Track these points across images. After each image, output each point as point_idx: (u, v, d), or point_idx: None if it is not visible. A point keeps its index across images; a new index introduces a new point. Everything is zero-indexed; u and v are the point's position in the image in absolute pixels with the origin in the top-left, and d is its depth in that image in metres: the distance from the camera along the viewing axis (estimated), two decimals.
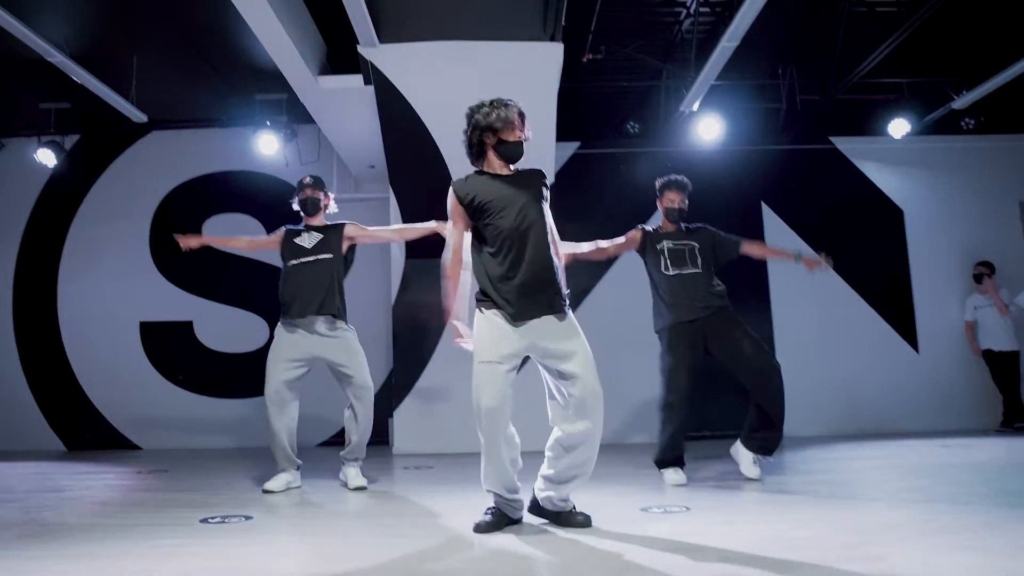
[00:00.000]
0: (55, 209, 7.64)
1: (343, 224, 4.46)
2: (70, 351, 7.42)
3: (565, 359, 2.81)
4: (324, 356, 4.27)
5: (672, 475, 4.09)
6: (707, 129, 6.79)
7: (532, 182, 3.04)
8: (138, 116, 6.39)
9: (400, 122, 5.48)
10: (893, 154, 7.40)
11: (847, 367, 7.10)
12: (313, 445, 7.01)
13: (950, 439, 6.02)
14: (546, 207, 3.02)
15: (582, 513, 2.94)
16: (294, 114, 7.11)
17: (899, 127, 6.91)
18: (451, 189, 3.01)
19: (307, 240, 4.38)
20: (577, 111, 7.16)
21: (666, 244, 4.31)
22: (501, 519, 2.92)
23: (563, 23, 5.03)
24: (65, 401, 7.33)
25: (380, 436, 7.01)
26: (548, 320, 2.86)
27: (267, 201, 7.56)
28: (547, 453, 2.92)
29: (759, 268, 7.26)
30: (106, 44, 6.13)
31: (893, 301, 7.25)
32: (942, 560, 2.26)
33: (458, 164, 5.97)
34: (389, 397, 6.65)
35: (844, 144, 7.45)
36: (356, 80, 5.38)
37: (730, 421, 6.65)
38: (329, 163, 7.44)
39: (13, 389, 7.33)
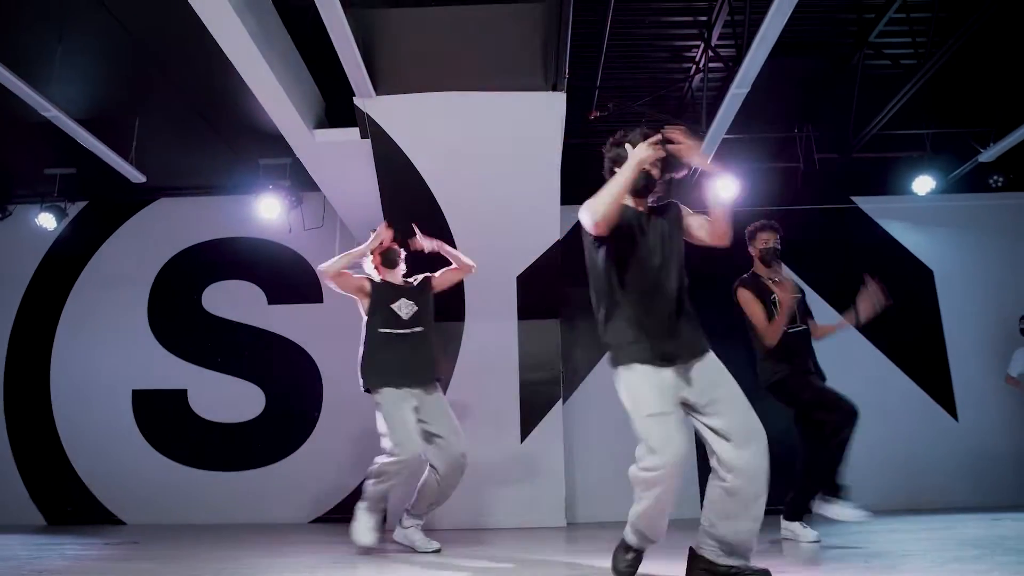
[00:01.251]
0: (56, 275, 7.51)
1: (428, 282, 4.38)
2: (59, 419, 7.13)
3: None
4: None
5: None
6: (723, 189, 6.51)
7: None
8: (136, 176, 6.30)
9: (397, 174, 5.29)
10: (919, 213, 7.06)
11: (881, 437, 6.51)
12: (307, 522, 6.58)
13: (1002, 513, 5.43)
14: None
15: None
16: (298, 180, 7.01)
17: (924, 184, 6.61)
18: None
19: (404, 310, 4.20)
20: (581, 173, 6.97)
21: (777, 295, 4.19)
22: None
23: (566, 73, 4.87)
24: (49, 472, 6.99)
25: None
26: None
27: (269, 268, 7.40)
28: None
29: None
30: (108, 107, 6.12)
31: (927, 366, 6.76)
32: None
33: (457, 219, 5.80)
34: None
35: (867, 204, 7.14)
36: (353, 133, 5.24)
37: None
38: (332, 229, 7.29)
39: None
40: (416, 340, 4.17)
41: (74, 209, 7.55)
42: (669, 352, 2.61)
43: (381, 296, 4.23)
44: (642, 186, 2.76)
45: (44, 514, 6.86)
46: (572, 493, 6.29)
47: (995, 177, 6.78)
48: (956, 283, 6.93)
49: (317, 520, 6.67)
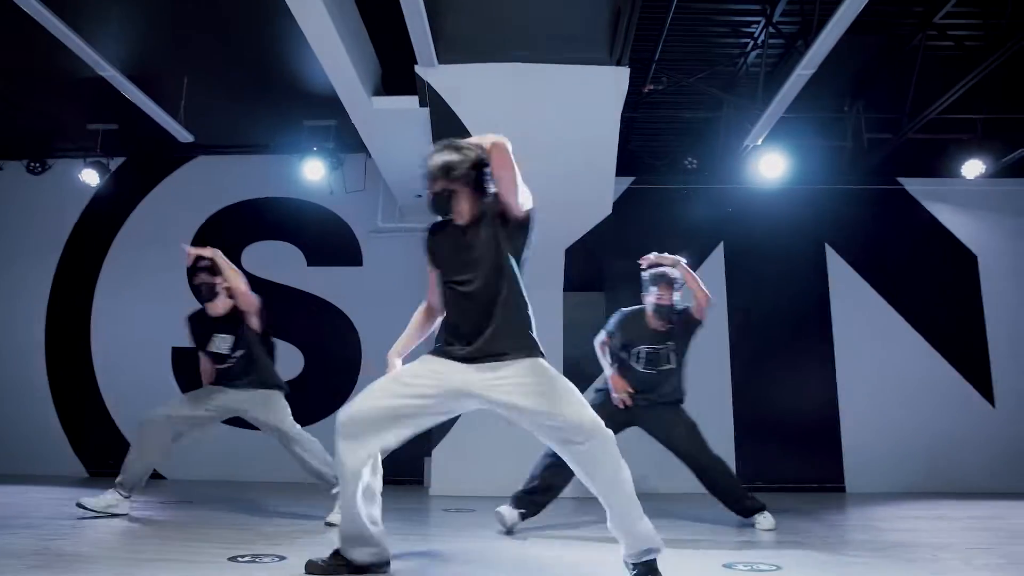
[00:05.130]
0: (95, 231, 7.52)
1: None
2: (100, 374, 7.22)
3: None
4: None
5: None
6: (770, 166, 6.49)
7: None
8: (185, 136, 6.27)
9: None
10: (966, 196, 7.00)
11: (916, 420, 6.61)
12: None
13: None
14: None
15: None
16: (341, 142, 6.97)
17: (973, 168, 6.53)
18: None
19: (222, 345, 4.20)
20: (632, 145, 6.93)
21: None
22: None
23: (631, 47, 4.81)
24: (91, 426, 7.10)
25: (416, 476, 6.69)
26: None
27: (309, 229, 7.39)
28: None
29: (823, 316, 6.86)
30: (158, 64, 6.04)
31: (967, 351, 6.76)
32: None
33: None
34: (427, 435, 6.29)
35: (913, 185, 7.08)
36: (411, 101, 5.19)
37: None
38: (375, 192, 7.27)
39: (40, 411, 7.11)
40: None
41: (113, 164, 7.52)
42: None
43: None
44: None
45: (86, 466, 6.99)
46: None
47: None
48: (1000, 269, 6.90)
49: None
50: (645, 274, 4.18)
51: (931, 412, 6.64)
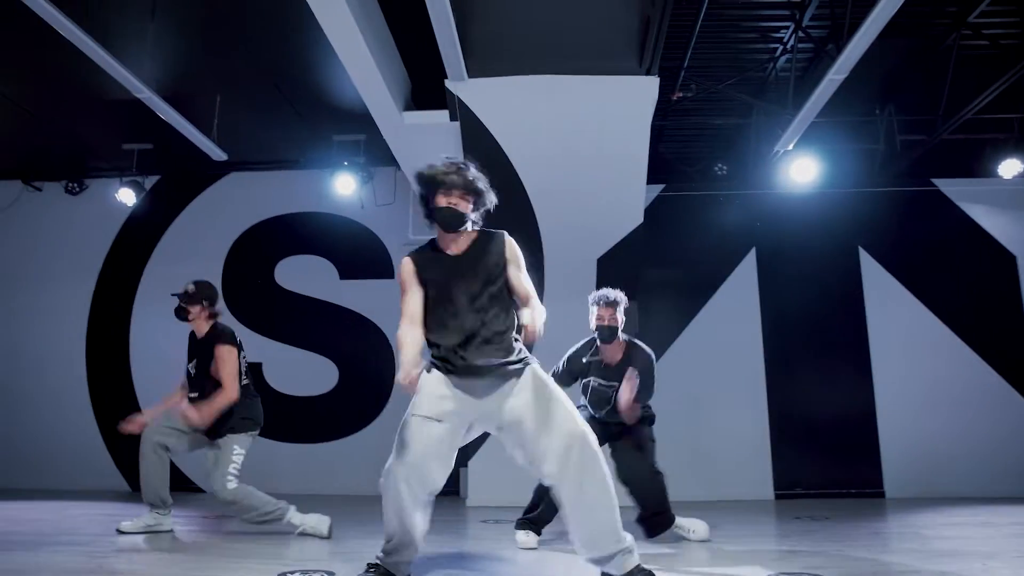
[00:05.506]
0: (132, 248, 7.68)
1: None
2: (139, 390, 7.36)
3: None
4: None
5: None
6: (801, 170, 6.45)
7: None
8: (218, 154, 6.38)
9: (484, 157, 5.23)
10: (1003, 196, 6.90)
11: (956, 424, 6.53)
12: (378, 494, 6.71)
13: None
14: None
15: None
16: (371, 155, 7.07)
17: (1011, 168, 6.44)
18: None
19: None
20: (662, 152, 6.91)
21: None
22: None
23: (660, 56, 4.81)
24: (132, 441, 7.12)
25: (451, 486, 6.71)
26: None
27: (341, 243, 7.48)
28: None
29: (859, 320, 6.80)
30: (191, 84, 6.17)
31: (1007, 353, 6.66)
32: None
33: (543, 201, 5.81)
34: (464, 447, 6.32)
35: (948, 187, 6.99)
36: (442, 116, 5.24)
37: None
38: (405, 205, 7.33)
39: (82, 427, 7.28)
40: None
41: (148, 183, 7.67)
42: None
43: None
44: None
45: (129, 481, 7.11)
46: None
47: None
48: None
49: None
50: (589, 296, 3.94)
51: (972, 415, 6.55)
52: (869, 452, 6.55)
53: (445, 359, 2.66)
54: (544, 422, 2.53)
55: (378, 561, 2.68)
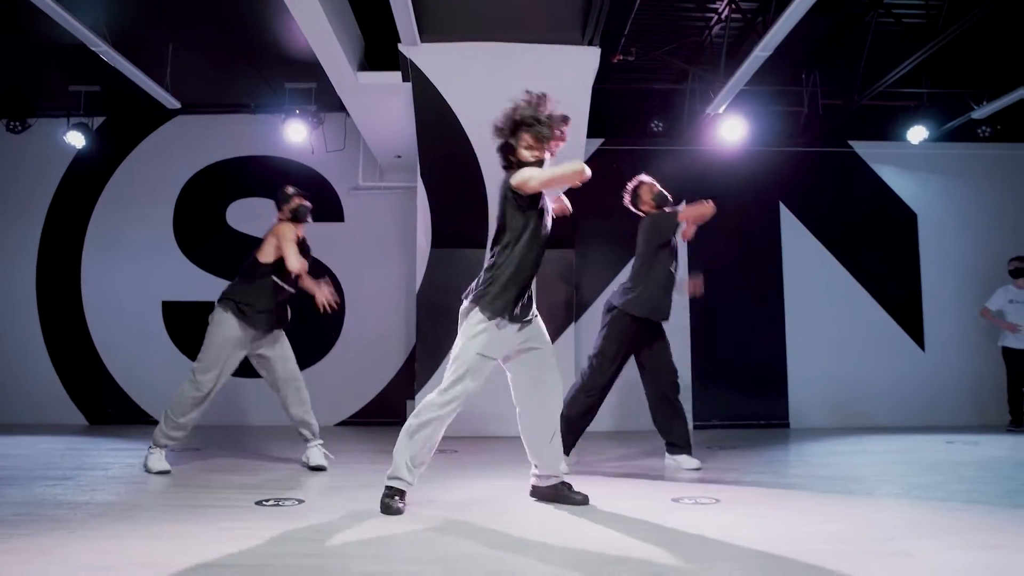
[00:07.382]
0: (80, 189, 7.73)
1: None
2: (93, 329, 7.56)
3: None
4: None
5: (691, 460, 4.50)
6: (730, 130, 6.91)
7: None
8: (172, 103, 6.47)
9: (435, 119, 5.59)
10: (910, 159, 7.56)
11: (855, 364, 7.34)
12: (332, 424, 7.17)
13: (954, 435, 6.29)
14: None
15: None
16: (322, 102, 7.22)
17: (917, 133, 7.06)
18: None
19: None
20: (602, 109, 7.26)
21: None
22: None
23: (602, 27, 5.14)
24: (87, 377, 7.47)
25: (400, 418, 7.21)
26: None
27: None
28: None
29: (776, 269, 7.45)
30: (142, 31, 6.19)
31: (903, 302, 7.46)
32: (972, 558, 2.40)
33: (489, 161, 6.13)
34: (410, 379, 6.82)
35: (862, 148, 7.61)
36: (395, 77, 5.49)
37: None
38: (355, 151, 7.56)
39: (36, 364, 7.48)
40: None
41: (94, 123, 7.66)
42: (525, 307, 3.26)
43: None
44: None
45: (86, 415, 7.39)
46: None
47: (983, 127, 7.26)
48: (937, 227, 7.56)
49: (341, 423, 7.29)
50: None
51: (869, 356, 7.36)
52: (778, 388, 7.32)
53: (511, 305, 3.18)
54: None
55: (403, 488, 3.21)
